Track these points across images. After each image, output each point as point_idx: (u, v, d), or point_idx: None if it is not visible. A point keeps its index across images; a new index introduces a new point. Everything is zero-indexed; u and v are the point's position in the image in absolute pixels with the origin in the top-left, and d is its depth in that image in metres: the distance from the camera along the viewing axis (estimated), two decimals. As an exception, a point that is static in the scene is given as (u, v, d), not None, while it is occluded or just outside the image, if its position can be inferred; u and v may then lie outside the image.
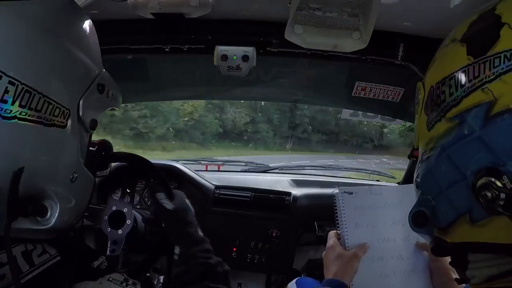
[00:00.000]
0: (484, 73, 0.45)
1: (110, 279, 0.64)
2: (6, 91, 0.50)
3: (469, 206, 0.46)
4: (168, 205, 1.09)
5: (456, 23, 0.55)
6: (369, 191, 0.95)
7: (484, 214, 0.45)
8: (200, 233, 1.04)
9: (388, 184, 1.92)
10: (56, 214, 0.59)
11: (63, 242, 0.67)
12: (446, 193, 0.50)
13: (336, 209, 0.92)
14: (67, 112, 0.59)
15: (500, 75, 0.44)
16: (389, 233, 0.92)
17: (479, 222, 0.45)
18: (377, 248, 0.91)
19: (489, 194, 0.43)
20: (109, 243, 1.08)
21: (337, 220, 0.92)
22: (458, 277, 0.56)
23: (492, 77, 0.44)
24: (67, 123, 0.60)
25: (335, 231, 0.95)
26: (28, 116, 0.53)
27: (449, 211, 0.49)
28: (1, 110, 0.50)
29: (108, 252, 1.05)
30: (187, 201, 1.13)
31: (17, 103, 0.51)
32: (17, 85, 0.51)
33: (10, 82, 0.50)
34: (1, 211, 0.52)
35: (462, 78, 0.48)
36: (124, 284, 0.66)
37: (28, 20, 0.55)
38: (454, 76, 0.49)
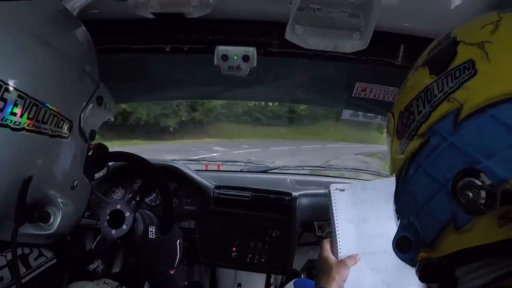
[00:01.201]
0: (448, 85, 0.49)
1: (106, 282, 0.66)
2: (16, 104, 0.53)
3: (451, 214, 0.47)
4: (152, 233, 1.08)
5: (456, 23, 0.56)
6: (363, 186, 0.94)
7: (467, 218, 0.45)
8: (171, 273, 1.02)
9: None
10: (58, 220, 0.62)
11: (59, 245, 0.68)
12: (426, 208, 0.51)
13: (328, 206, 0.93)
14: (70, 124, 0.63)
15: (462, 84, 0.47)
16: (382, 228, 0.91)
17: (464, 227, 0.46)
18: (368, 244, 0.90)
19: (470, 194, 0.44)
20: (98, 238, 1.07)
21: (330, 216, 0.93)
22: None
23: (455, 87, 0.48)
24: (69, 134, 0.63)
25: (328, 239, 0.96)
26: (35, 127, 0.56)
27: (433, 225, 0.50)
28: (11, 122, 0.52)
29: (92, 247, 1.04)
30: (178, 243, 1.11)
31: (25, 115, 0.54)
32: (26, 99, 0.54)
33: (19, 96, 0.53)
34: (8, 217, 0.54)
35: (428, 94, 0.51)
36: None
37: (33, 35, 0.57)
38: (421, 95, 0.52)
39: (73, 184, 0.67)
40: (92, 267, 0.76)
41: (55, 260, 0.65)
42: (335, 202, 0.92)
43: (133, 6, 1.03)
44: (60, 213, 0.62)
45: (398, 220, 0.58)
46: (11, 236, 0.54)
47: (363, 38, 1.04)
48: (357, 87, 1.50)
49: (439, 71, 0.50)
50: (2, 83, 0.51)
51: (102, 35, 1.23)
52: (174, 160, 1.98)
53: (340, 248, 0.91)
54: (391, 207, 0.92)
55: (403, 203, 0.57)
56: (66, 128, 0.62)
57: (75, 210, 0.68)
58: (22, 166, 0.56)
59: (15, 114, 0.53)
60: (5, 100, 0.52)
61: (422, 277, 0.55)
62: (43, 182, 0.59)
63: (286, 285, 1.06)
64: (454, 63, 0.49)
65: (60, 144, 0.62)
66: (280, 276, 1.79)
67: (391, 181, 0.99)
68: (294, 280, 1.08)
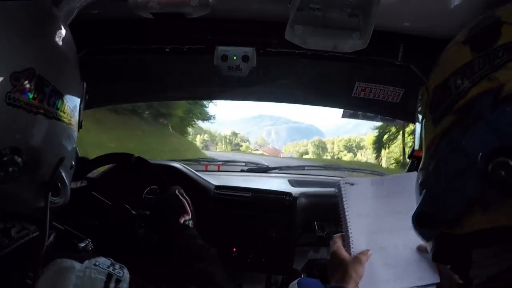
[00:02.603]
0: (490, 63, 0.48)
1: (97, 263, 0.63)
2: (50, 96, 0.65)
3: (480, 192, 0.47)
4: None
5: (456, 23, 0.56)
6: (370, 182, 0.95)
7: (496, 198, 0.45)
8: (183, 220, 1.08)
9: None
10: (64, 195, 0.73)
11: (43, 220, 0.71)
12: (455, 184, 0.50)
13: (338, 201, 0.93)
14: (76, 115, 0.76)
15: (505, 63, 0.47)
16: (392, 223, 0.92)
17: (492, 207, 0.46)
18: (379, 239, 0.91)
19: (502, 173, 0.44)
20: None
21: (340, 211, 0.92)
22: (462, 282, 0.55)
23: (498, 66, 0.47)
24: (75, 123, 0.76)
25: (339, 234, 0.95)
26: (59, 116, 0.69)
27: (459, 202, 0.49)
28: (46, 111, 0.65)
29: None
30: (178, 192, 1.16)
31: (53, 106, 0.66)
32: (56, 91, 0.67)
33: (52, 90, 0.66)
34: (31, 191, 0.66)
35: (468, 71, 0.50)
36: (111, 268, 0.64)
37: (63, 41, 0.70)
38: (460, 71, 0.51)
39: (72, 165, 0.77)
40: (81, 245, 0.79)
41: (37, 233, 0.68)
42: (345, 196, 0.92)
43: (133, 6, 1.03)
44: (65, 189, 0.74)
45: (420, 195, 0.57)
46: (44, 201, 0.66)
47: (362, 38, 1.04)
48: (357, 87, 1.50)
49: (481, 49, 0.50)
50: (43, 78, 0.63)
51: (102, 35, 1.23)
52: (173, 160, 1.98)
53: (352, 243, 0.90)
54: (399, 202, 0.93)
55: (430, 177, 0.56)
56: (73, 118, 0.74)
57: (69, 188, 0.78)
58: (54, 148, 0.69)
59: (50, 105, 0.65)
60: (44, 94, 0.64)
61: (436, 256, 0.55)
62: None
63: (290, 285, 1.06)
64: (497, 43, 0.48)
65: (71, 130, 0.75)
66: (280, 276, 1.78)
67: (399, 177, 1.00)
68: (298, 279, 1.07)
